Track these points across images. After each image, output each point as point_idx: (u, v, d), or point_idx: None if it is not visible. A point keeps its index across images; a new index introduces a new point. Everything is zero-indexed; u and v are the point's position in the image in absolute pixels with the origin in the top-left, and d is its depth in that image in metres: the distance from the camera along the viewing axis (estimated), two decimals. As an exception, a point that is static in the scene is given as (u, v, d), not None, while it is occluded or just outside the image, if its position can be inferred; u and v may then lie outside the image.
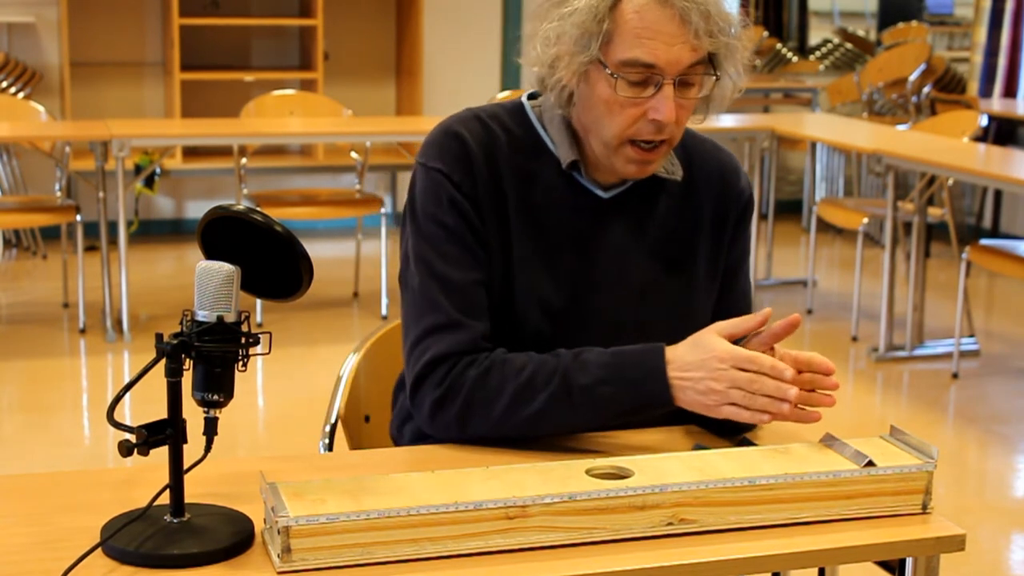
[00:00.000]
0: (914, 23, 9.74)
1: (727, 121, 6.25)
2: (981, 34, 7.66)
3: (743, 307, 1.99)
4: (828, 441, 1.65)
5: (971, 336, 5.37)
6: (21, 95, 6.34)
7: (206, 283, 1.42)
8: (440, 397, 1.77)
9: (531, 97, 1.92)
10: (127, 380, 1.43)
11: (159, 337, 1.43)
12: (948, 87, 7.99)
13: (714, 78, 1.77)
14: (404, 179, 7.05)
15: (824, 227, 6.95)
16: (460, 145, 1.83)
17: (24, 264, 6.55)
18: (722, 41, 1.75)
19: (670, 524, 1.49)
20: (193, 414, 1.45)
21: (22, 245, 6.75)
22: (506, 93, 6.05)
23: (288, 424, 4.31)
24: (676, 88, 1.74)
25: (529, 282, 1.84)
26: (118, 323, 5.24)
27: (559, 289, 1.85)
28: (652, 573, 1.43)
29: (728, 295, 1.96)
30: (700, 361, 1.68)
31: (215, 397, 1.44)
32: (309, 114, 5.97)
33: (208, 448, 1.47)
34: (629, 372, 1.72)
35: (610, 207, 1.87)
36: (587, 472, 1.53)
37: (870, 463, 1.57)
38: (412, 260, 1.84)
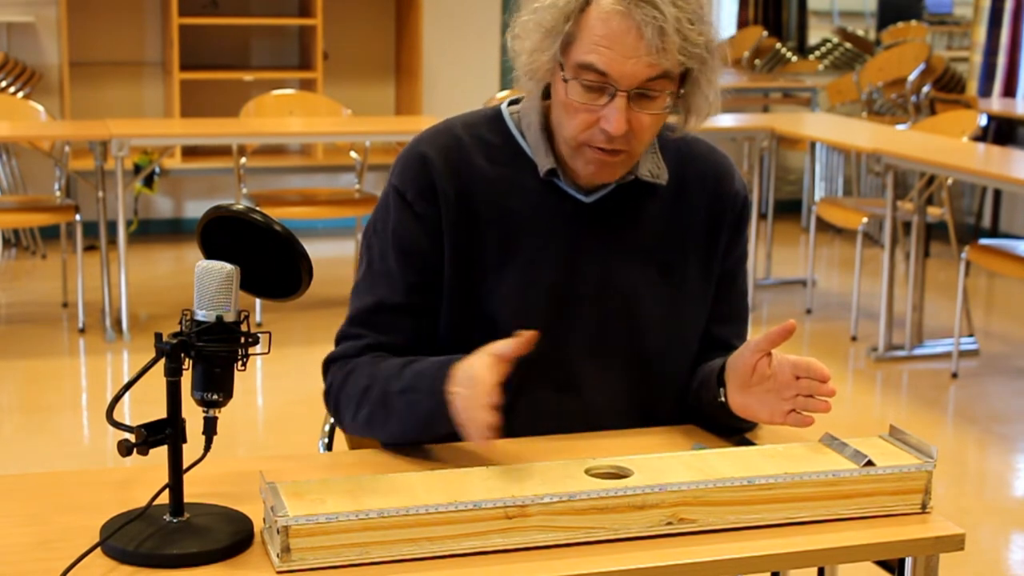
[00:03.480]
0: (913, 23, 9.74)
1: (726, 121, 6.26)
2: (980, 33, 7.67)
3: (741, 309, 1.98)
4: (827, 441, 1.65)
5: (970, 336, 5.37)
6: (21, 95, 6.34)
7: (206, 283, 1.42)
8: (324, 395, 1.87)
9: (513, 102, 1.91)
10: (126, 380, 1.43)
11: (159, 337, 1.43)
12: (947, 87, 7.99)
13: (678, 95, 1.74)
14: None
15: (823, 227, 6.95)
16: (422, 165, 1.83)
17: (23, 264, 6.55)
18: (687, 61, 1.71)
19: (669, 524, 1.49)
20: (192, 414, 1.45)
21: (21, 245, 6.75)
22: (504, 93, 6.04)
23: (288, 424, 4.30)
24: (633, 100, 1.71)
25: (510, 291, 1.83)
26: (117, 323, 5.24)
27: (543, 297, 1.83)
28: (651, 573, 1.44)
29: (727, 298, 1.95)
30: (466, 377, 1.66)
31: (214, 397, 1.45)
32: (308, 114, 5.97)
33: (207, 448, 1.48)
34: (424, 382, 1.72)
35: (593, 212, 1.85)
36: (586, 472, 1.53)
37: (869, 463, 1.57)
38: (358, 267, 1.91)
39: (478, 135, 1.87)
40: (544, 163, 1.82)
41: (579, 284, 1.85)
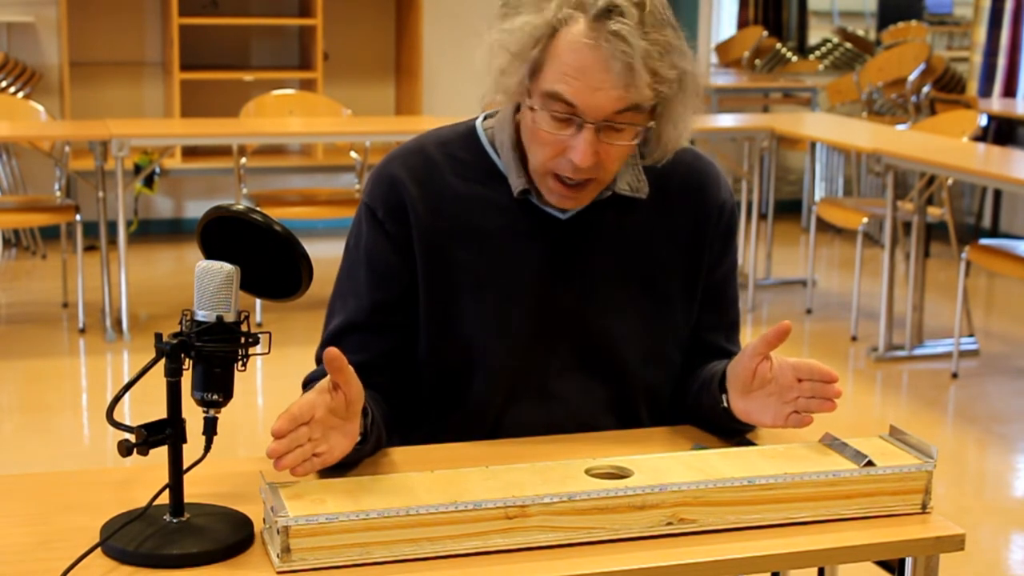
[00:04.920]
0: (913, 23, 9.74)
1: (727, 121, 6.26)
2: (980, 34, 7.67)
3: (734, 315, 1.97)
4: (827, 441, 1.65)
5: (971, 336, 5.37)
6: (21, 95, 6.34)
7: (206, 283, 1.42)
8: None
9: (489, 116, 1.88)
10: (127, 380, 1.43)
11: (159, 337, 1.43)
12: (947, 87, 7.99)
13: (647, 127, 1.71)
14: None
15: (824, 227, 6.95)
16: (391, 183, 1.82)
17: (24, 264, 6.55)
18: (657, 94, 1.68)
19: (669, 524, 1.49)
20: (193, 414, 1.45)
21: (22, 245, 6.75)
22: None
23: (288, 424, 4.29)
24: (602, 132, 1.68)
25: (488, 311, 1.81)
26: (118, 323, 5.24)
27: (521, 316, 1.82)
28: (652, 573, 1.44)
29: (720, 306, 1.93)
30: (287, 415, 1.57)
31: (215, 397, 1.45)
32: (309, 114, 5.97)
33: (208, 448, 1.48)
34: None
35: (569, 228, 1.83)
36: (586, 472, 1.53)
37: (869, 463, 1.57)
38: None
39: (450, 153, 1.84)
40: (517, 184, 1.80)
41: (557, 302, 1.83)
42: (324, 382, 1.55)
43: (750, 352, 1.72)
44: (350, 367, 1.54)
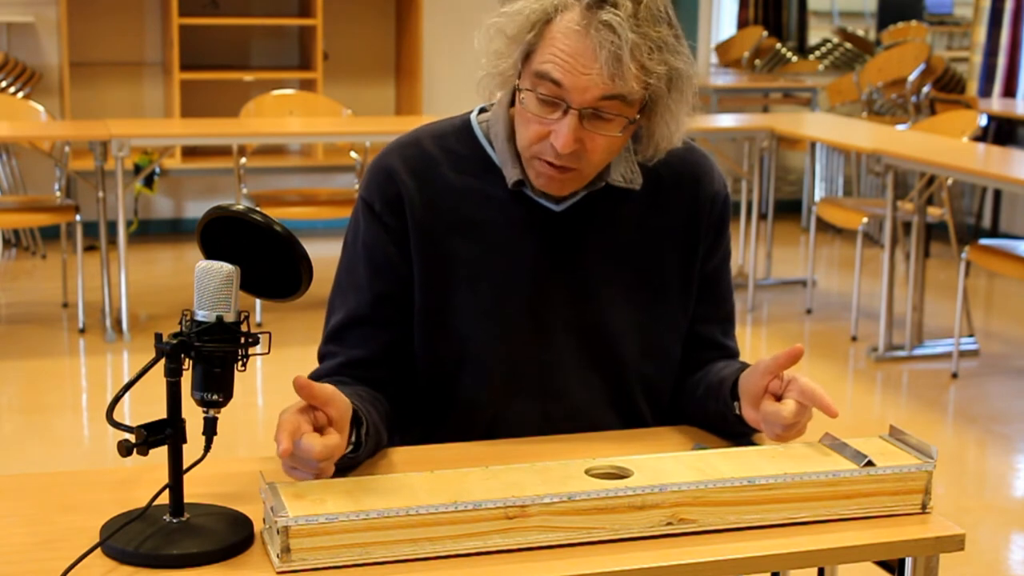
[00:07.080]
0: (913, 23, 9.75)
1: (726, 121, 6.26)
2: (980, 34, 7.67)
3: (728, 307, 1.97)
4: (827, 441, 1.65)
5: (970, 336, 5.37)
6: (21, 95, 6.34)
7: (206, 283, 1.42)
8: None
9: (483, 110, 1.89)
10: (127, 380, 1.43)
11: (158, 337, 1.43)
12: (947, 87, 7.99)
13: (634, 121, 1.72)
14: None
15: (824, 227, 6.95)
16: (388, 176, 1.82)
17: (24, 264, 6.55)
18: (646, 89, 1.69)
19: (669, 524, 1.49)
20: (193, 414, 1.45)
21: (22, 245, 6.75)
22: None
23: (288, 424, 4.28)
24: (587, 120, 1.69)
25: (483, 302, 1.81)
26: (117, 323, 5.24)
27: (517, 309, 1.82)
28: (651, 573, 1.44)
29: (714, 298, 1.93)
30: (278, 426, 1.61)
31: (214, 397, 1.44)
32: (308, 114, 5.97)
33: (207, 448, 1.48)
34: None
35: (564, 220, 1.83)
36: (586, 472, 1.53)
37: (869, 463, 1.57)
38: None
39: (446, 146, 1.85)
40: (511, 175, 1.80)
41: (553, 294, 1.83)
42: (301, 402, 1.56)
43: (762, 370, 1.71)
44: (322, 388, 1.54)
